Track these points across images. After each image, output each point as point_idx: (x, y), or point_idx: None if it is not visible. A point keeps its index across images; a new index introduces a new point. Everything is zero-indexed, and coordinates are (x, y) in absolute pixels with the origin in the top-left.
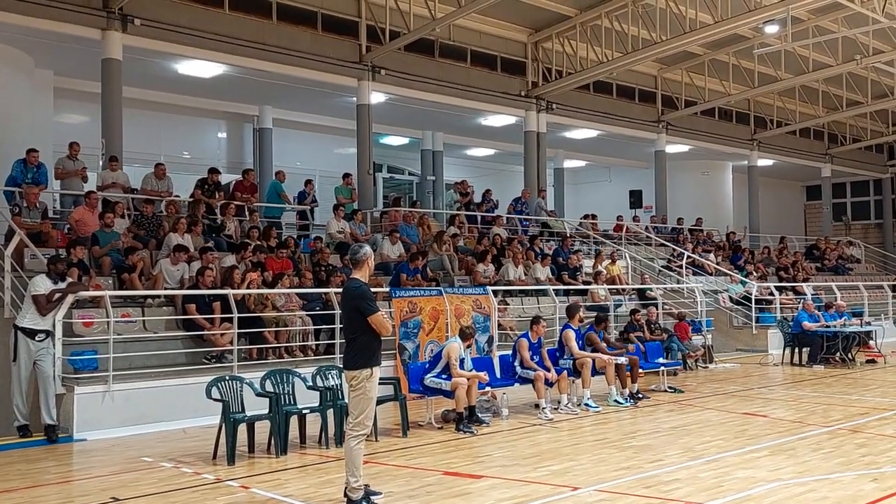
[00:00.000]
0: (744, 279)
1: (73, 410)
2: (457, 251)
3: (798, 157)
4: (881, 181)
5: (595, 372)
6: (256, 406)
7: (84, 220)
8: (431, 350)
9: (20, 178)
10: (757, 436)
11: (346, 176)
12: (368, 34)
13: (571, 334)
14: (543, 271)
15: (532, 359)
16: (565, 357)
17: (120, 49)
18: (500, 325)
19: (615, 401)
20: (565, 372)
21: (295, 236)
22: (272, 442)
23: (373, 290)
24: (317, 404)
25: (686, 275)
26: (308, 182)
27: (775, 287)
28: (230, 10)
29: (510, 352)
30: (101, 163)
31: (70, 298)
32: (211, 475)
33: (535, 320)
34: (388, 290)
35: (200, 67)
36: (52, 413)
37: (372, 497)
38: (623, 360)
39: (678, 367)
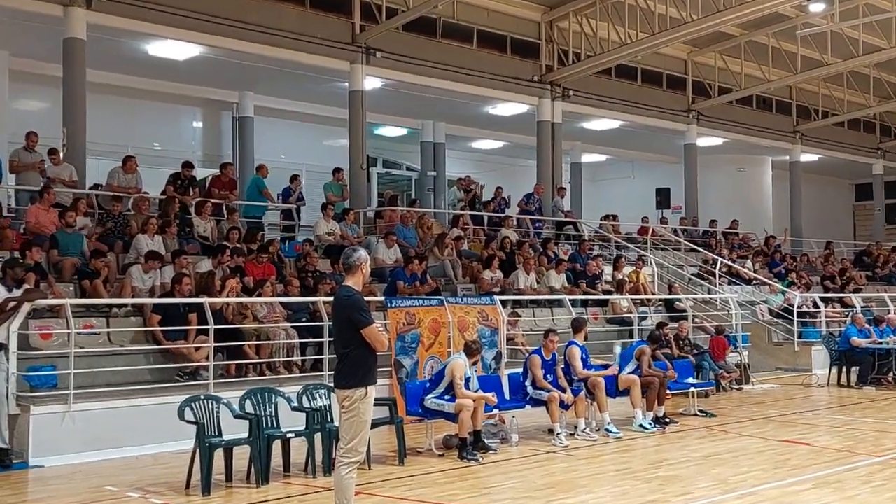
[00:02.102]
0: (785, 289)
1: (29, 433)
2: (460, 256)
3: (846, 151)
4: None
5: (618, 392)
6: (235, 429)
7: (41, 221)
8: (432, 367)
9: None
10: (799, 466)
11: (337, 171)
12: (362, 12)
13: (576, 352)
14: (558, 279)
15: (545, 378)
16: (577, 377)
17: (84, 27)
18: (509, 339)
19: (640, 426)
20: (583, 393)
21: (278, 238)
22: (252, 469)
23: (366, 299)
24: (303, 428)
25: (720, 284)
26: (294, 178)
27: (820, 298)
28: None
29: (521, 370)
30: (62, 154)
31: (26, 307)
32: None
33: (548, 334)
34: (382, 299)
35: (173, 48)
36: (5, 436)
37: None
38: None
39: (710, 388)
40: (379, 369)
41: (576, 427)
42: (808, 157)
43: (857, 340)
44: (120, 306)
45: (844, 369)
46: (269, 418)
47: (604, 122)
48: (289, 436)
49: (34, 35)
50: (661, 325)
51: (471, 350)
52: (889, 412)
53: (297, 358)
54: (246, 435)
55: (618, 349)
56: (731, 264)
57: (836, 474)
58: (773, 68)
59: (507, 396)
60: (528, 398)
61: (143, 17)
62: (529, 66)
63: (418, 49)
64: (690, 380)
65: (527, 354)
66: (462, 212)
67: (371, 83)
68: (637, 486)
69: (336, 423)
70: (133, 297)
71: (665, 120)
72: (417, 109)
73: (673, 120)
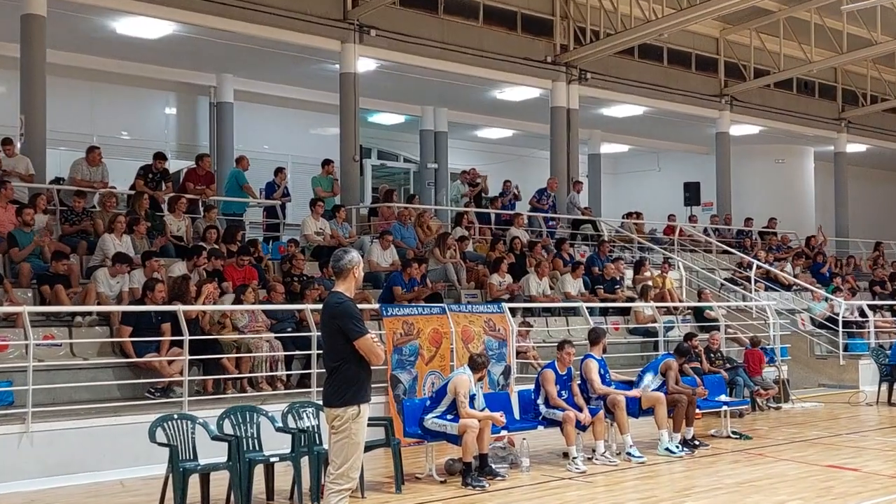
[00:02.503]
0: (829, 296)
1: None
2: (464, 258)
3: None
4: None
5: (641, 412)
6: (212, 452)
7: None
8: (433, 383)
9: None
10: (845, 494)
11: (327, 163)
12: None
13: (593, 365)
14: (574, 284)
15: (560, 395)
16: (594, 395)
17: (43, 2)
18: (519, 352)
19: (666, 449)
20: (601, 412)
21: (261, 239)
22: (232, 497)
23: (359, 306)
24: (288, 451)
25: (756, 290)
26: (279, 171)
27: (868, 306)
28: None
29: (532, 386)
30: (18, 145)
31: None
32: None
33: (563, 346)
34: (377, 306)
35: (144, 26)
36: None
37: None
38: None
39: (745, 406)
40: (373, 385)
41: (594, 450)
42: (854, 147)
43: None
44: (84, 314)
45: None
46: (250, 440)
47: (626, 109)
48: (272, 460)
49: None
50: (689, 337)
51: (476, 364)
52: None
53: (281, 372)
54: (224, 459)
55: (649, 379)
56: (769, 268)
57: (887, 503)
58: (815, 48)
59: (516, 416)
60: (540, 418)
61: None
62: (542, 46)
63: (417, 26)
64: (723, 397)
65: (539, 369)
66: (467, 209)
67: (364, 65)
68: None
69: (325, 446)
70: (99, 304)
71: (694, 106)
72: (416, 94)
73: (703, 106)
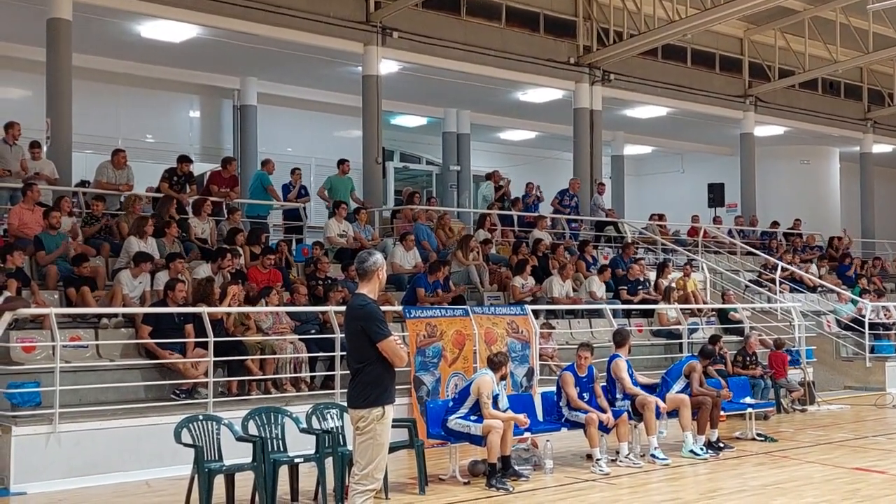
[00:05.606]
0: (855, 297)
1: (10, 456)
2: (487, 260)
3: None
4: None
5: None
6: (237, 453)
7: (25, 221)
8: (456, 385)
9: None
10: (872, 497)
11: (342, 162)
12: None
13: (623, 365)
14: (600, 286)
15: (581, 397)
16: (620, 396)
17: (69, 6)
18: (542, 354)
19: (690, 451)
20: (625, 414)
21: (292, 241)
22: (257, 498)
23: (382, 308)
24: (313, 452)
25: (780, 292)
26: (294, 171)
27: (895, 307)
28: None
29: (555, 388)
30: (45, 148)
31: (7, 317)
32: None
33: (581, 348)
34: (400, 308)
35: (168, 29)
36: None
37: None
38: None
39: (770, 409)
40: (397, 387)
41: (618, 452)
42: (881, 147)
43: None
44: (110, 316)
45: None
46: (274, 441)
47: (649, 110)
48: (297, 461)
49: (14, 15)
50: (714, 339)
51: (494, 363)
52: None
53: (305, 374)
54: (249, 459)
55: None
56: (794, 269)
57: None
58: (841, 48)
59: (539, 417)
60: (563, 420)
61: None
62: (565, 47)
63: (440, 28)
64: (748, 399)
65: (559, 371)
66: (490, 211)
67: (387, 67)
68: None
69: (349, 447)
70: (124, 305)
71: (719, 106)
72: (439, 96)
73: (727, 106)
